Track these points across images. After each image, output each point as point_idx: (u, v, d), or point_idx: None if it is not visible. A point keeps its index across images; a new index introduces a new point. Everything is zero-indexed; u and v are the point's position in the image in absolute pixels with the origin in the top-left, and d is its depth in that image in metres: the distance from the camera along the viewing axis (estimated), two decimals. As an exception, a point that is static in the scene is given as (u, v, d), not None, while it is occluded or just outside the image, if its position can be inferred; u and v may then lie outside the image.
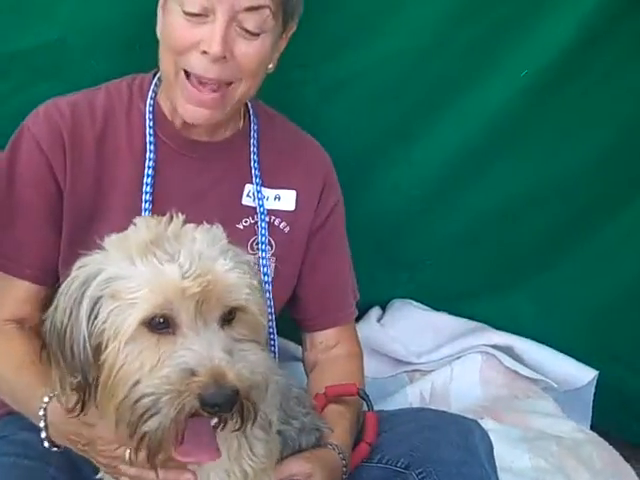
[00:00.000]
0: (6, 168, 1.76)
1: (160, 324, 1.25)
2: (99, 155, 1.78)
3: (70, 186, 1.75)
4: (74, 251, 1.65)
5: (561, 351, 2.54)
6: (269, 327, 1.85)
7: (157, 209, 1.73)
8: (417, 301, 2.63)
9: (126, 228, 1.64)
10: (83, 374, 1.28)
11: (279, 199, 1.89)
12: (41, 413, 1.54)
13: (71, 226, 1.75)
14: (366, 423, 1.78)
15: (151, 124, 1.80)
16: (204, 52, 1.65)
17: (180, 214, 1.37)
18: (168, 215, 1.36)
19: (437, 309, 2.64)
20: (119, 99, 1.83)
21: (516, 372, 2.46)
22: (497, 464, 1.76)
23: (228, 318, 1.28)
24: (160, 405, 1.21)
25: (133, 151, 1.80)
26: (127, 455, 1.42)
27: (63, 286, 1.32)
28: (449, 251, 2.53)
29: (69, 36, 2.05)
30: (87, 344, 1.27)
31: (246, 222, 1.85)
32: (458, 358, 2.49)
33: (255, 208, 1.85)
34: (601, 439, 2.29)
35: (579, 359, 2.53)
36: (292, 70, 2.12)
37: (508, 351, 2.51)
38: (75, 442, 1.51)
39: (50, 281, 1.75)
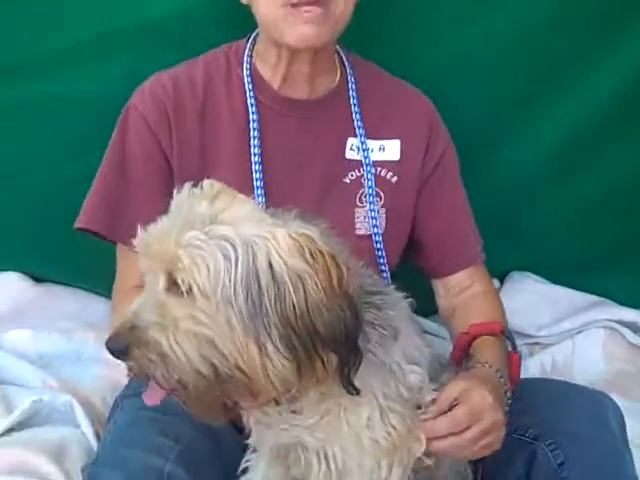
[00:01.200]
0: (118, 147, 1.82)
1: None
2: (202, 127, 1.81)
3: (178, 161, 1.79)
4: None
5: None
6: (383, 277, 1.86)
7: (266, 174, 1.78)
8: (535, 274, 2.59)
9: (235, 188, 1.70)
10: None
11: (383, 150, 1.88)
12: None
13: None
14: (511, 365, 1.74)
15: (250, 87, 1.82)
16: None
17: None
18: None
19: (555, 283, 2.59)
20: (217, 69, 1.87)
21: (640, 347, 2.40)
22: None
23: (184, 291, 1.27)
24: None
25: (235, 117, 1.82)
26: None
27: None
28: (570, 224, 2.48)
29: (193, 7, 2.10)
30: None
31: (352, 176, 1.86)
32: (580, 332, 2.44)
33: (360, 161, 1.86)
34: None
35: None
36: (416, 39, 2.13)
37: (632, 327, 2.45)
38: None
39: None
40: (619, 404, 2.00)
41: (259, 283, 1.24)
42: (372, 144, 1.87)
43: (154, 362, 1.27)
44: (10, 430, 2.07)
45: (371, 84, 1.92)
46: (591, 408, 1.66)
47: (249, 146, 1.80)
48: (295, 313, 1.24)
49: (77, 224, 1.85)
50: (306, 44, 1.73)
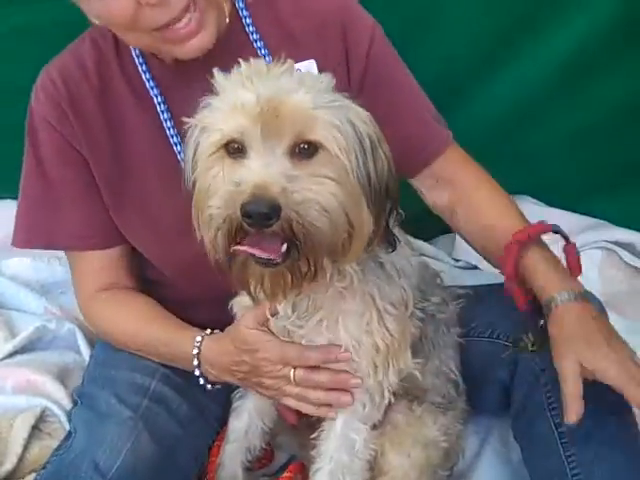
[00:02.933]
0: (32, 154, 1.74)
1: (235, 148, 1.29)
2: (104, 109, 1.70)
3: (89, 152, 1.71)
4: (121, 216, 1.72)
5: None
6: None
7: (180, 133, 1.63)
8: (534, 197, 2.58)
9: (157, 176, 1.68)
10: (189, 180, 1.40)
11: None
12: (195, 352, 1.62)
13: (108, 194, 1.72)
14: (568, 257, 1.66)
15: (144, 67, 1.69)
16: (147, 3, 1.47)
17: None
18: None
19: (553, 206, 2.58)
20: (105, 44, 1.72)
21: (637, 268, 2.40)
22: None
23: (305, 152, 1.28)
24: (218, 219, 1.26)
25: (136, 94, 1.70)
26: (292, 375, 1.48)
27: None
28: (565, 149, 2.46)
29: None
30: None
31: None
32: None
33: None
34: None
35: None
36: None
37: (629, 248, 2.44)
38: (235, 372, 1.57)
39: (118, 240, 1.76)
40: (616, 322, 2.04)
41: (363, 147, 1.32)
42: None
43: (309, 221, 1.25)
44: (14, 353, 2.10)
45: (264, 8, 1.74)
46: None
47: (159, 124, 1.68)
48: (383, 174, 1.34)
49: (16, 244, 1.80)
50: (200, 52, 1.58)
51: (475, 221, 1.78)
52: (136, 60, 1.69)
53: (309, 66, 1.68)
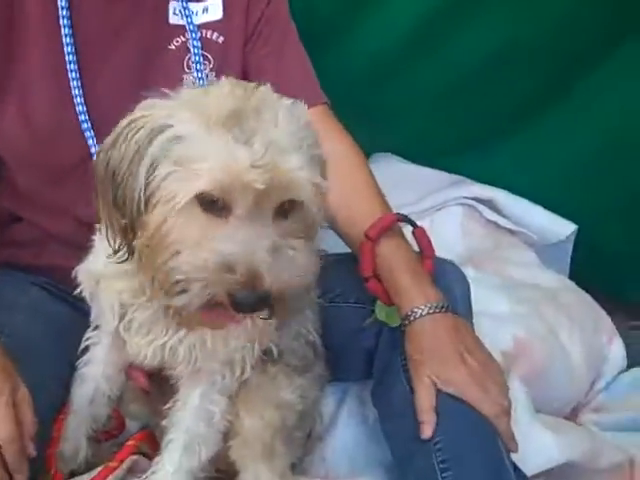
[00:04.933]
0: None
1: (215, 204, 1.18)
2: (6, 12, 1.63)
3: None
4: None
5: (542, 206, 2.53)
6: None
7: (79, 46, 1.65)
8: (397, 155, 2.59)
9: (46, 67, 1.62)
10: (131, 222, 1.23)
11: (207, 11, 1.78)
12: None
13: None
14: (419, 241, 1.68)
15: None
16: None
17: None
18: (254, 84, 1.28)
19: (416, 163, 2.61)
20: None
21: (497, 224, 2.45)
22: (475, 308, 1.75)
23: (283, 210, 1.22)
24: (191, 287, 1.17)
25: None
26: None
27: (124, 125, 1.23)
28: (427, 106, 2.46)
29: None
30: (141, 199, 1.21)
31: (177, 42, 1.75)
32: (439, 210, 2.46)
33: (184, 26, 1.75)
34: (579, 288, 2.32)
35: (559, 214, 2.53)
36: None
37: (489, 204, 2.49)
38: None
39: None
40: (474, 276, 2.09)
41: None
42: (195, 6, 1.75)
43: (292, 302, 1.22)
44: None
45: None
46: (435, 277, 1.64)
47: (58, 26, 1.64)
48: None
49: None
50: None
51: (340, 189, 1.74)
52: None
53: (216, 2, 1.77)
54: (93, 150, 1.63)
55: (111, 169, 1.23)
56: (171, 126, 1.20)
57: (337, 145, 1.80)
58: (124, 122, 1.24)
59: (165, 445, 1.49)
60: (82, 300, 1.51)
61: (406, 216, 1.70)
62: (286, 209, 1.21)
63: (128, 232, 1.25)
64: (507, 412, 1.47)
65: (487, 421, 1.47)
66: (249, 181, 1.16)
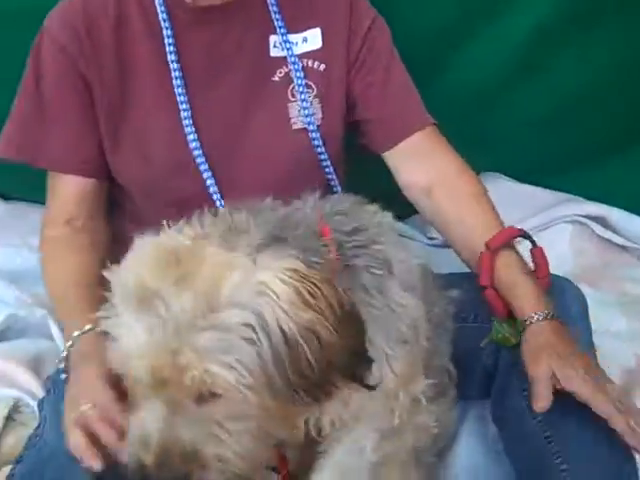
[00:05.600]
0: (32, 72, 1.77)
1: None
2: (118, 40, 1.76)
3: (95, 76, 1.75)
4: (115, 146, 1.78)
5: None
6: (329, 179, 1.85)
7: (187, 79, 1.75)
8: (506, 175, 2.60)
9: (159, 109, 1.75)
10: None
11: (306, 41, 1.84)
12: (68, 344, 1.60)
13: (105, 115, 1.77)
14: (536, 260, 1.72)
15: (161, 1, 1.76)
16: None
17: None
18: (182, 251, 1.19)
19: (525, 182, 2.60)
20: None
21: (609, 241, 2.43)
22: (593, 327, 1.77)
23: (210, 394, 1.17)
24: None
25: (150, 30, 1.77)
26: None
27: None
28: (537, 124, 2.46)
29: None
30: None
31: (280, 73, 1.82)
32: (546, 229, 2.45)
33: (285, 57, 1.81)
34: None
35: None
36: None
37: (601, 221, 2.47)
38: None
39: (102, 172, 1.82)
40: (589, 293, 2.06)
41: (279, 354, 1.15)
42: (294, 37, 1.83)
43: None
44: (-15, 343, 2.09)
45: None
46: (552, 296, 1.66)
47: (167, 62, 1.75)
48: (311, 365, 1.16)
49: None
50: None
51: (456, 204, 1.81)
52: None
53: (315, 33, 1.84)
54: (208, 183, 1.74)
55: None
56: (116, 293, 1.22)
57: (449, 164, 1.86)
58: None
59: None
60: None
61: (527, 232, 1.72)
62: (213, 393, 1.16)
63: None
64: (623, 411, 1.45)
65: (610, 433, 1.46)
66: (133, 374, 1.17)
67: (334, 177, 1.86)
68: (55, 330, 2.11)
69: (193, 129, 1.74)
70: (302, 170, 1.79)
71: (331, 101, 1.85)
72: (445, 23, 2.28)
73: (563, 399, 1.46)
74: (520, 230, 1.72)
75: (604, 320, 2.00)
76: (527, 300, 1.60)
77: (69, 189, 1.82)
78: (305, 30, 1.84)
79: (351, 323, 1.19)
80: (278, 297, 1.14)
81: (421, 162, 1.86)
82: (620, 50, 2.32)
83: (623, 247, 2.44)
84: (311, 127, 1.79)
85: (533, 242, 1.74)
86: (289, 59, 1.82)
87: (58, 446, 1.51)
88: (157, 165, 1.78)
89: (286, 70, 1.82)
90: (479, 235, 1.71)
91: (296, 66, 1.81)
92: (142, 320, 1.14)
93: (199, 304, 1.12)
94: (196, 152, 1.74)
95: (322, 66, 1.84)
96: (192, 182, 1.75)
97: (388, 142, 1.87)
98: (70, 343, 1.59)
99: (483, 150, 2.51)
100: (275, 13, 1.82)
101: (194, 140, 1.74)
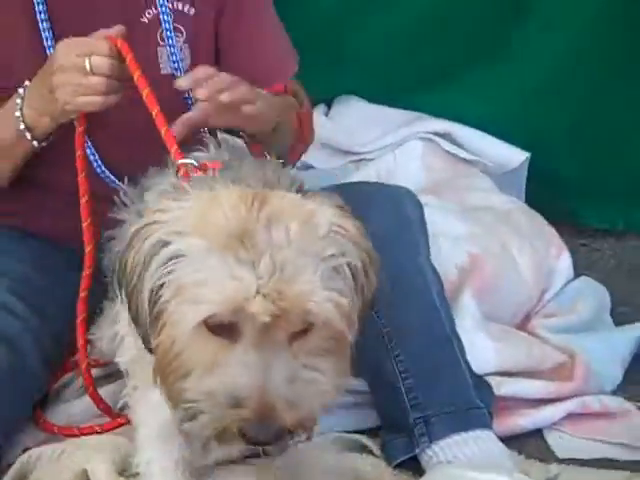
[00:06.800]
0: None
1: (223, 328, 1.12)
2: None
3: None
4: None
5: (496, 136, 2.68)
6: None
7: (56, 22, 1.73)
8: (359, 96, 2.76)
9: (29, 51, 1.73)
10: (144, 334, 1.21)
11: None
12: (18, 101, 1.65)
13: None
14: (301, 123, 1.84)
15: None
16: None
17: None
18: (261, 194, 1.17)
19: (377, 103, 2.77)
20: None
21: (455, 155, 2.61)
22: (434, 231, 1.92)
23: (302, 331, 1.14)
24: (199, 417, 1.13)
25: None
26: (87, 64, 1.51)
27: (135, 231, 1.18)
28: (387, 48, 2.63)
29: None
30: (147, 318, 1.17)
31: (149, 14, 1.80)
32: (400, 145, 2.61)
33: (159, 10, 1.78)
34: (529, 208, 2.49)
35: (513, 143, 2.68)
36: None
37: (447, 137, 2.65)
38: (43, 94, 1.59)
39: None
40: (431, 203, 2.26)
41: (356, 282, 1.18)
42: None
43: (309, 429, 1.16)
44: None
45: None
46: (389, 203, 1.79)
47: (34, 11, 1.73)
48: (373, 294, 1.22)
49: None
50: None
51: None
52: None
53: None
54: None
55: (126, 277, 1.19)
56: (174, 241, 1.14)
57: None
58: (135, 227, 1.19)
59: None
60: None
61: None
62: (306, 328, 1.13)
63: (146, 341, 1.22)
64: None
65: None
66: (254, 312, 1.08)
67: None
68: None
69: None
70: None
71: (200, 46, 1.84)
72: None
73: None
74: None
75: (444, 225, 2.16)
76: None
77: None
78: None
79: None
80: (348, 231, 1.18)
81: None
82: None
83: (469, 161, 2.63)
84: (179, 73, 1.74)
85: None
86: (158, 2, 1.77)
87: None
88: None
89: (155, 12, 1.79)
90: None
91: (164, 8, 1.78)
92: (244, 260, 1.09)
93: (296, 237, 1.12)
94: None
95: (192, 10, 1.83)
96: None
97: None
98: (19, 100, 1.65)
99: (339, 72, 2.68)
100: None
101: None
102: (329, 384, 1.15)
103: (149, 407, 1.40)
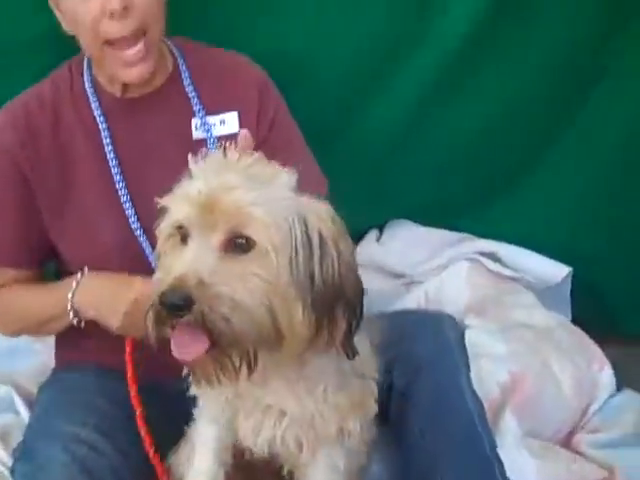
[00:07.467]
0: None
1: (184, 235, 1.37)
2: (56, 138, 1.90)
3: (35, 174, 1.88)
4: (61, 234, 1.94)
5: (539, 252, 2.78)
6: None
7: (123, 172, 1.90)
8: (410, 220, 2.91)
9: (96, 199, 1.91)
10: None
11: (224, 123, 1.97)
12: (73, 285, 1.85)
13: (49, 213, 1.92)
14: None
15: (94, 98, 1.93)
16: (111, 15, 1.76)
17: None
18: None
19: (428, 226, 2.90)
20: (63, 83, 1.96)
21: (499, 273, 2.71)
22: (475, 351, 2.05)
23: (242, 247, 1.32)
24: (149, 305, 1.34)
25: (85, 127, 1.92)
26: None
27: None
28: (432, 175, 2.76)
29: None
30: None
31: (202, 155, 1.94)
32: (447, 267, 2.72)
33: (205, 140, 1.94)
34: (571, 324, 2.58)
35: (556, 258, 2.77)
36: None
37: (492, 256, 2.75)
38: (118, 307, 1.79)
39: (32, 264, 1.98)
40: (474, 323, 2.39)
41: (311, 247, 1.34)
42: (213, 120, 1.97)
43: (222, 315, 1.29)
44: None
45: (202, 62, 2.02)
46: (430, 328, 1.91)
47: (104, 155, 1.90)
48: (333, 275, 1.34)
49: None
50: (138, 81, 1.88)
51: None
52: (88, 91, 1.93)
53: (232, 116, 1.97)
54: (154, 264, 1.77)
55: None
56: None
57: None
58: None
59: None
60: None
61: None
62: (245, 246, 1.31)
63: None
64: None
65: None
66: (195, 208, 1.32)
67: None
68: (19, 403, 2.27)
69: (133, 211, 1.88)
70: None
71: None
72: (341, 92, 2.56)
73: None
74: None
75: (485, 345, 2.29)
76: None
77: (3, 277, 1.97)
78: (222, 113, 1.97)
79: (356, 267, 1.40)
80: (319, 210, 1.37)
81: None
82: (500, 95, 2.59)
83: (512, 278, 2.73)
84: None
85: None
86: (208, 141, 1.93)
87: None
88: (101, 246, 1.89)
89: (206, 152, 1.96)
90: None
91: (214, 149, 1.86)
92: (210, 173, 1.36)
93: (256, 178, 1.35)
94: (137, 232, 1.88)
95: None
96: (138, 262, 1.86)
97: None
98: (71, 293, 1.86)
99: (390, 200, 2.85)
100: (193, 95, 1.96)
101: (134, 222, 1.88)
102: (248, 294, 1.30)
103: None
